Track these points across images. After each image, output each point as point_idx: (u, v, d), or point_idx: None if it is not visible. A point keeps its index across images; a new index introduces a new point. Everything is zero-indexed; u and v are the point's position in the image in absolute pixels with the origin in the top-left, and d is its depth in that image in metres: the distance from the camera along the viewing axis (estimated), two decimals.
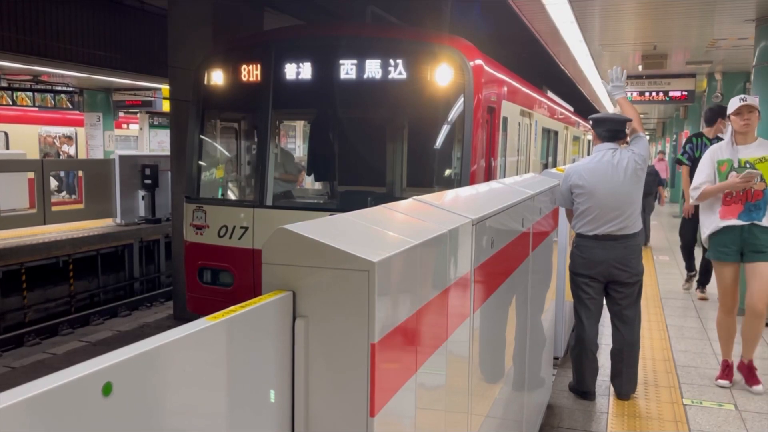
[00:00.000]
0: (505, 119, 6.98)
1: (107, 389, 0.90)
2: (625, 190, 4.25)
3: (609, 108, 20.06)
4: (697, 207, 5.69)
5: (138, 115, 22.64)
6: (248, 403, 1.24)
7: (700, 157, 5.41)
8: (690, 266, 8.02)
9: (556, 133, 11.70)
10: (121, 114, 20.40)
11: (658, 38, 9.49)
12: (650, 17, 8.08)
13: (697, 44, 9.85)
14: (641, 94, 13.05)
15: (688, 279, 8.05)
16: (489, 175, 6.18)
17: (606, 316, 4.60)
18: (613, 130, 4.38)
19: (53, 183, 14.10)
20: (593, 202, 4.27)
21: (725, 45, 9.54)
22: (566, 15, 7.53)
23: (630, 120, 4.47)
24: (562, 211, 4.69)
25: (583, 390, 4.55)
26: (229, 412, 1.19)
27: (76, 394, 0.86)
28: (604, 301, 4.52)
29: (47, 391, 0.82)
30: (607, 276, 4.34)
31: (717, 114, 7.23)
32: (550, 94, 12.13)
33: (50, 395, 0.82)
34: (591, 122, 4.55)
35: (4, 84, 16.80)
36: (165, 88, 15.50)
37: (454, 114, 5.80)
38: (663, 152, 23.03)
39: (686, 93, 12.86)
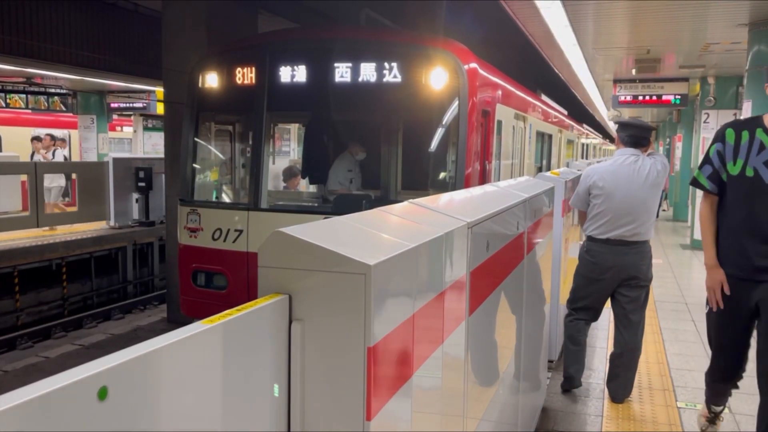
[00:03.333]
0: (500, 122, 6.98)
1: (102, 393, 0.89)
2: (642, 196, 4.28)
3: (603, 111, 20.11)
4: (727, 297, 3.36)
5: (132, 117, 22.58)
6: (244, 408, 1.24)
7: (745, 175, 3.18)
8: (716, 398, 3.93)
9: (550, 136, 11.74)
10: (114, 116, 20.34)
11: (652, 42, 9.54)
12: (644, 21, 8.12)
13: (690, 48, 9.91)
14: (635, 97, 13.10)
15: (712, 419, 3.99)
16: (483, 179, 6.19)
17: (602, 320, 4.61)
18: (636, 136, 4.42)
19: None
20: (609, 205, 4.30)
21: (718, 49, 9.60)
22: (560, 18, 7.55)
23: (655, 129, 4.52)
24: (557, 214, 4.71)
25: (565, 376, 4.61)
26: (224, 416, 1.18)
27: (72, 398, 0.85)
28: (604, 304, 4.58)
29: (43, 395, 0.81)
30: (616, 281, 4.37)
31: None
32: (544, 97, 12.16)
33: (46, 399, 0.81)
34: (617, 126, 4.61)
35: None
36: (159, 90, 15.45)
37: (448, 117, 5.80)
38: None
39: (679, 96, 12.91)
